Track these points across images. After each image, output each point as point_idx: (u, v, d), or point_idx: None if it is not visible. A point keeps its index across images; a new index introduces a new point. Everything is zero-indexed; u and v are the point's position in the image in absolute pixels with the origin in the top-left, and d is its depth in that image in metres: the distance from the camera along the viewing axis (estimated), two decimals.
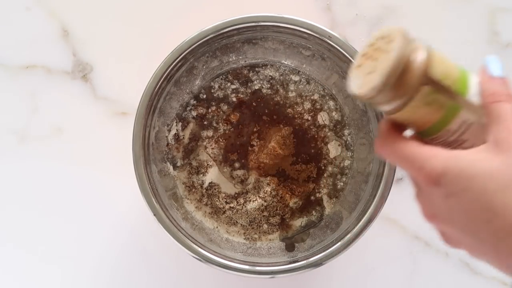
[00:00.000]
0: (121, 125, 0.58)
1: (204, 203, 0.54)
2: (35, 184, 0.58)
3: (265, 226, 0.54)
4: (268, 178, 0.54)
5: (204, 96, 0.55)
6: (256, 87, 0.55)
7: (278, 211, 0.54)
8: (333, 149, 0.54)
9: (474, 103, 0.33)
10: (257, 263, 0.49)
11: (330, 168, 0.54)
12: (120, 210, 0.58)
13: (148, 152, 0.51)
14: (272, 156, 0.53)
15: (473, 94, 0.33)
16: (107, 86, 0.58)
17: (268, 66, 0.55)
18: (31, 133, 0.58)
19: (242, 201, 0.54)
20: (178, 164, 0.54)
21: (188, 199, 0.54)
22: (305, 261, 0.48)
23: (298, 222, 0.54)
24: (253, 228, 0.54)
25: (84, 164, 0.58)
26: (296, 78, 0.55)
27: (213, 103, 0.55)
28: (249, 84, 0.55)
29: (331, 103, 0.54)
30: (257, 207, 0.54)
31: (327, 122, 0.54)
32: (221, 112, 0.55)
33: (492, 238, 0.30)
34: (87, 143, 0.58)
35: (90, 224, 0.58)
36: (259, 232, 0.54)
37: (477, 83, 0.33)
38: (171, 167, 0.54)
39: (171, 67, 0.49)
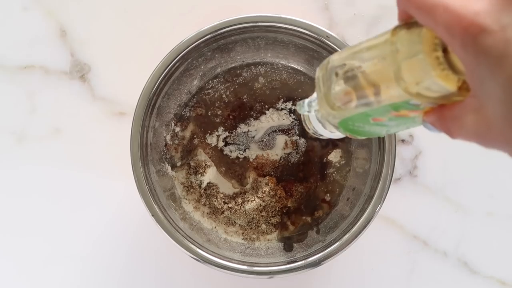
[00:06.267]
0: (119, 125, 0.58)
1: (202, 203, 0.54)
2: (33, 185, 0.58)
3: (264, 226, 0.54)
4: (267, 178, 0.54)
5: (203, 96, 0.55)
6: (254, 87, 0.55)
7: (276, 211, 0.54)
8: (333, 152, 0.54)
9: None
10: (255, 263, 0.49)
11: (328, 168, 0.54)
12: (118, 210, 0.58)
13: (146, 153, 0.50)
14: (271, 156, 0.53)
15: None
16: (105, 86, 0.58)
17: (266, 66, 0.55)
18: (29, 133, 0.58)
19: (240, 201, 0.54)
20: (176, 164, 0.54)
21: (186, 199, 0.54)
22: (303, 261, 0.48)
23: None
24: (251, 228, 0.54)
25: (82, 164, 0.58)
26: (294, 78, 0.55)
27: (211, 103, 0.54)
28: (247, 84, 0.55)
29: None
30: (256, 207, 0.54)
31: None
32: (219, 112, 0.54)
33: None
34: (85, 143, 0.58)
35: (87, 224, 0.58)
36: (258, 232, 0.54)
37: None
38: (169, 168, 0.54)
39: (169, 67, 0.49)
